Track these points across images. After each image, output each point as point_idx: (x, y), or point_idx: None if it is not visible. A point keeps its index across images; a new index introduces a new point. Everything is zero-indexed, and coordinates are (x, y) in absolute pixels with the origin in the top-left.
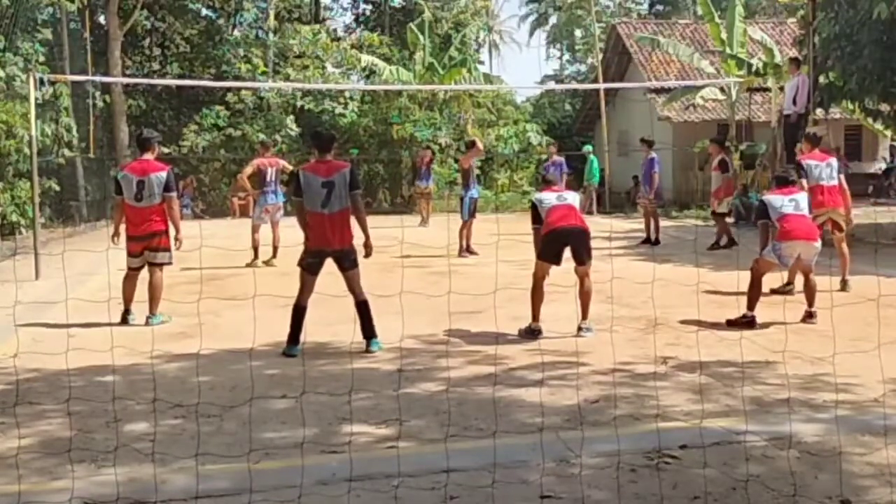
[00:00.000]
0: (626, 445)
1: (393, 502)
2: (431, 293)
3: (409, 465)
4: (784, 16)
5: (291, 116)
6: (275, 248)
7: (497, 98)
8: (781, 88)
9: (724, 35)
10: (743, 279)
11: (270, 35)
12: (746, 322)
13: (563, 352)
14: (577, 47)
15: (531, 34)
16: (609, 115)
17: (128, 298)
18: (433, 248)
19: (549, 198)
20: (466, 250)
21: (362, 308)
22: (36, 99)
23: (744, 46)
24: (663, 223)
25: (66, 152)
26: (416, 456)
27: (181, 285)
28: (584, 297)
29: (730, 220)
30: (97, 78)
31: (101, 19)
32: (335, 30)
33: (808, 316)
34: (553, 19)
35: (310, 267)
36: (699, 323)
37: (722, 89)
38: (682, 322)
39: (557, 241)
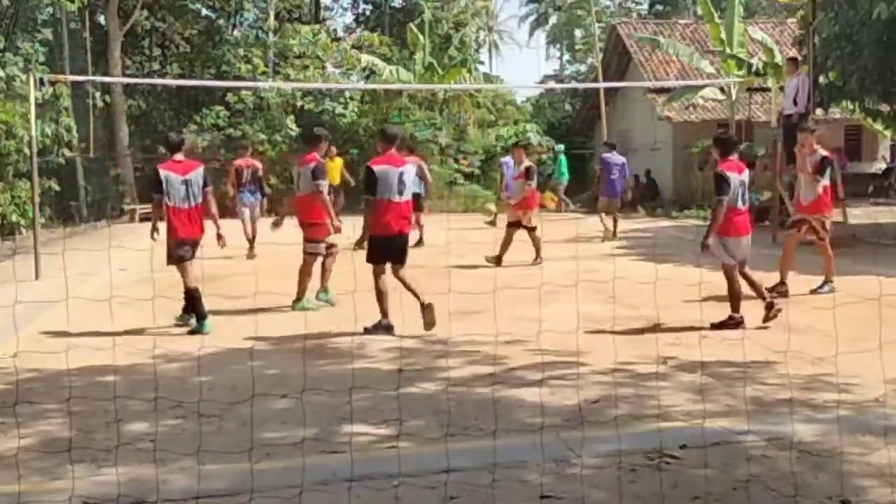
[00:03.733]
0: (627, 445)
1: (393, 502)
2: (431, 293)
3: (409, 465)
4: (784, 16)
5: (291, 116)
6: (251, 240)
7: (497, 98)
8: (781, 88)
9: (723, 35)
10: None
11: (270, 35)
12: (735, 324)
13: (563, 352)
14: (577, 47)
15: (531, 34)
16: (609, 115)
17: None
18: (433, 247)
19: (391, 178)
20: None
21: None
22: (36, 99)
23: (744, 46)
24: (665, 223)
25: (66, 152)
26: (416, 456)
27: (181, 285)
28: (413, 291)
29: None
30: (97, 78)
31: (101, 19)
32: (335, 30)
33: (770, 308)
34: (553, 19)
35: (182, 257)
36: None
37: (722, 89)
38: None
39: (389, 250)
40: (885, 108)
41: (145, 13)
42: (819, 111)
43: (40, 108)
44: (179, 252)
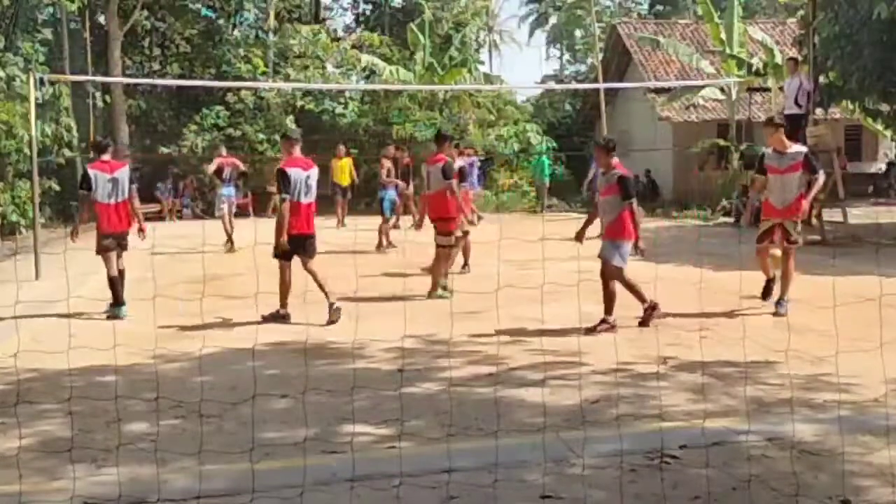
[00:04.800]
0: (627, 445)
1: (393, 502)
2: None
3: (409, 465)
4: (784, 16)
5: (291, 116)
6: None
7: (497, 98)
8: (781, 88)
9: (723, 35)
10: (746, 279)
11: (270, 35)
12: (610, 327)
13: (563, 352)
14: (577, 47)
15: (531, 34)
16: (609, 115)
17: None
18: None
19: (299, 179)
20: (387, 245)
21: (121, 274)
22: (36, 99)
23: (744, 46)
24: (665, 223)
25: (66, 152)
26: (417, 456)
27: (182, 285)
28: (321, 284)
29: (729, 219)
30: (97, 78)
31: (101, 19)
32: (335, 30)
33: (603, 324)
34: (553, 19)
35: (107, 248)
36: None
37: (722, 89)
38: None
39: (296, 247)
40: (885, 108)
41: (145, 13)
42: (819, 111)
43: (40, 108)
44: (105, 243)
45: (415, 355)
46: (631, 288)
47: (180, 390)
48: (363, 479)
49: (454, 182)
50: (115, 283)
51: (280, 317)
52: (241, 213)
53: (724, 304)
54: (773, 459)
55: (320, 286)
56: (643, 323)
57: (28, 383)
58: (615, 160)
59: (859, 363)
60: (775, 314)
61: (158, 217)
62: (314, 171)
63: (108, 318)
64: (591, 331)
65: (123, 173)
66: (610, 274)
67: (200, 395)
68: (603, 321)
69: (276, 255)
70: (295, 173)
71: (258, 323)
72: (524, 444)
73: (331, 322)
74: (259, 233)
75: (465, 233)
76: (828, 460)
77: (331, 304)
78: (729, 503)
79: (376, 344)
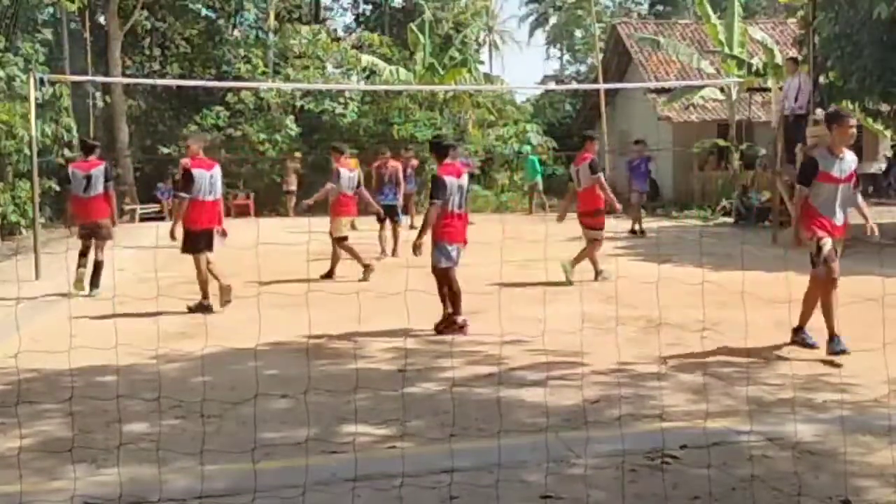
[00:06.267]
0: (627, 445)
1: (395, 502)
2: (433, 293)
3: (410, 465)
4: (784, 16)
5: (291, 116)
6: None
7: (497, 98)
8: (781, 88)
9: (723, 35)
10: (747, 278)
11: (270, 35)
12: (460, 327)
13: (563, 352)
14: (577, 47)
15: (531, 34)
16: (609, 115)
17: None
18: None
19: (203, 178)
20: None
21: (98, 265)
22: (36, 99)
23: (744, 46)
24: (665, 223)
25: (66, 152)
26: (418, 456)
27: (182, 285)
28: (215, 276)
29: (729, 219)
30: (97, 78)
31: (101, 19)
32: (335, 30)
33: (452, 325)
34: (553, 19)
35: (83, 238)
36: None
37: (722, 89)
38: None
39: (200, 240)
40: (885, 108)
41: (145, 13)
42: (819, 111)
43: (40, 108)
44: (82, 232)
45: (415, 355)
46: (453, 293)
47: (181, 390)
48: (364, 479)
49: (601, 176)
50: (99, 267)
51: (204, 307)
52: (242, 213)
53: (725, 304)
54: (773, 459)
55: (213, 278)
56: (437, 328)
57: (28, 383)
58: (447, 160)
59: (860, 363)
60: (834, 354)
61: (159, 217)
62: (216, 171)
63: (87, 296)
64: (440, 331)
65: (98, 171)
66: (439, 276)
67: (202, 395)
68: (452, 321)
69: (184, 251)
70: (199, 173)
71: (188, 312)
72: (525, 444)
73: (190, 310)
74: (261, 233)
75: (344, 238)
76: (828, 460)
77: (221, 285)
78: (729, 503)
79: (377, 344)
